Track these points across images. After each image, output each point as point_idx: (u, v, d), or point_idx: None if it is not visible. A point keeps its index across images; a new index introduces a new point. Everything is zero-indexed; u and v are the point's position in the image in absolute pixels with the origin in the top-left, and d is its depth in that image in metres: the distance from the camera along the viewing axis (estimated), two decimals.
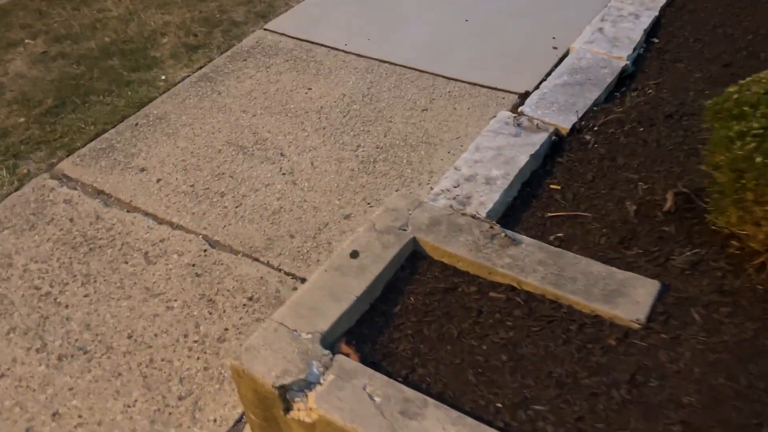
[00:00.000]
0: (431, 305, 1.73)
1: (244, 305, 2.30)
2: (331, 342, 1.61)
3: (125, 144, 3.09)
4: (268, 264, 2.44)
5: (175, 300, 2.34)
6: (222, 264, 2.46)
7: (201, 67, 3.60)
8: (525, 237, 1.81)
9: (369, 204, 2.65)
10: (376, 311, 1.73)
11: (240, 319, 2.25)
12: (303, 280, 2.36)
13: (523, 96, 3.10)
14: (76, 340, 2.25)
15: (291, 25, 3.85)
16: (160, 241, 2.57)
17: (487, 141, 1.98)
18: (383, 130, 3.01)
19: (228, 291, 2.35)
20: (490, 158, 1.94)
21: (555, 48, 3.39)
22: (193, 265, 2.46)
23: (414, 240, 1.83)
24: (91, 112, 3.35)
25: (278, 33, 3.80)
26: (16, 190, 2.90)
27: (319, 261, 2.43)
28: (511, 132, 2.00)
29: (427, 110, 3.10)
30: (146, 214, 2.71)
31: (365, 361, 1.58)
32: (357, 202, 2.66)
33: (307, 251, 2.48)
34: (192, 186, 2.82)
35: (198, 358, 2.15)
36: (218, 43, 3.83)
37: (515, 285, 1.75)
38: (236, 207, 2.69)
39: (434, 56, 3.46)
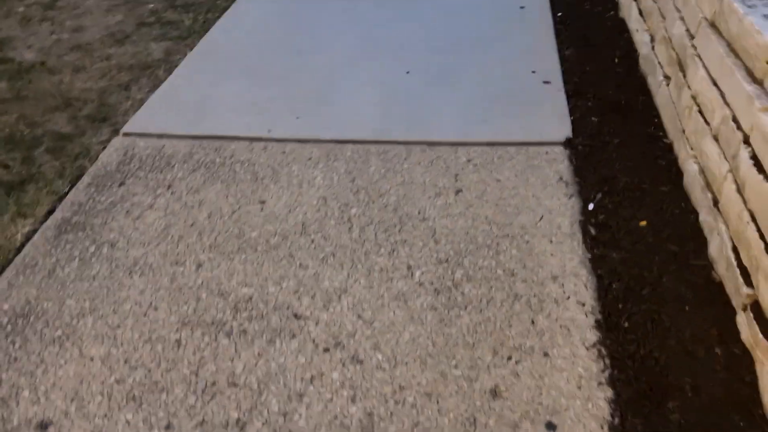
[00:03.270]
0: None
1: None
2: None
3: None
4: None
5: None
6: None
7: (50, 212, 2.16)
8: None
9: (513, 359, 1.56)
10: None
11: None
12: None
13: (567, 144, 2.30)
14: None
15: (165, 119, 2.58)
16: None
17: None
18: (425, 233, 1.95)
19: None
20: None
21: (547, 83, 2.66)
22: None
23: None
24: None
25: (153, 135, 2.50)
26: None
27: None
28: None
29: (461, 191, 2.12)
30: None
31: None
32: (488, 360, 1.57)
33: None
34: (168, 428, 1.45)
35: None
36: (57, 170, 2.39)
37: None
38: None
39: (407, 121, 2.49)
